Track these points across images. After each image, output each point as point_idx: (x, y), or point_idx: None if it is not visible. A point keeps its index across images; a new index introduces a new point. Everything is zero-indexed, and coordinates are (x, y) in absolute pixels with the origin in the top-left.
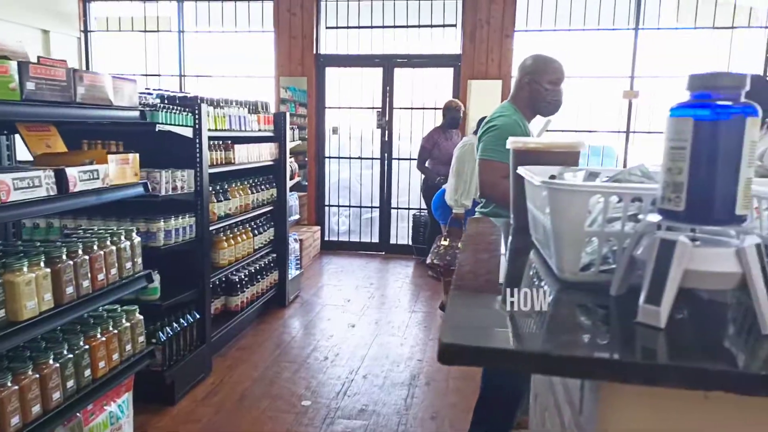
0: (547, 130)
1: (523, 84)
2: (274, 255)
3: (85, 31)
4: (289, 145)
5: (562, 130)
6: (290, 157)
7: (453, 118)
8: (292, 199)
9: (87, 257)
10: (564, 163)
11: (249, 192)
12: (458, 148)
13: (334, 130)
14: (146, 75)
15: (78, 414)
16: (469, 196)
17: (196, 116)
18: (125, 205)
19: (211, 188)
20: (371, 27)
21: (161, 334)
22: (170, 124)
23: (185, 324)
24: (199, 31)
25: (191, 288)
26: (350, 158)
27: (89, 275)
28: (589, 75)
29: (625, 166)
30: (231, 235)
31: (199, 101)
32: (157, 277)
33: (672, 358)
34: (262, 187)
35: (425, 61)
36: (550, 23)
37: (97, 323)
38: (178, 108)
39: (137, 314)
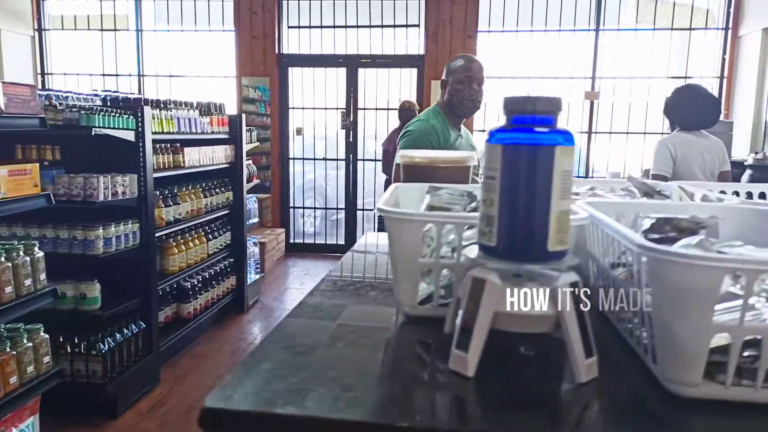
0: None
1: (443, 86)
2: (232, 259)
3: (39, 30)
4: (246, 147)
5: None
6: (248, 159)
7: (409, 119)
8: (251, 202)
9: None
10: (452, 180)
11: (202, 196)
12: None
13: (299, 131)
14: (104, 75)
15: None
16: None
17: (139, 119)
18: (65, 212)
19: (158, 193)
20: (334, 27)
21: (102, 345)
22: (109, 128)
23: (129, 334)
24: (158, 30)
25: (136, 296)
26: (315, 159)
27: None
28: (551, 76)
29: (587, 166)
30: (182, 241)
31: (142, 103)
32: (96, 287)
33: (463, 422)
34: (217, 190)
35: (389, 61)
36: (512, 24)
37: None
38: (118, 111)
39: (41, 333)
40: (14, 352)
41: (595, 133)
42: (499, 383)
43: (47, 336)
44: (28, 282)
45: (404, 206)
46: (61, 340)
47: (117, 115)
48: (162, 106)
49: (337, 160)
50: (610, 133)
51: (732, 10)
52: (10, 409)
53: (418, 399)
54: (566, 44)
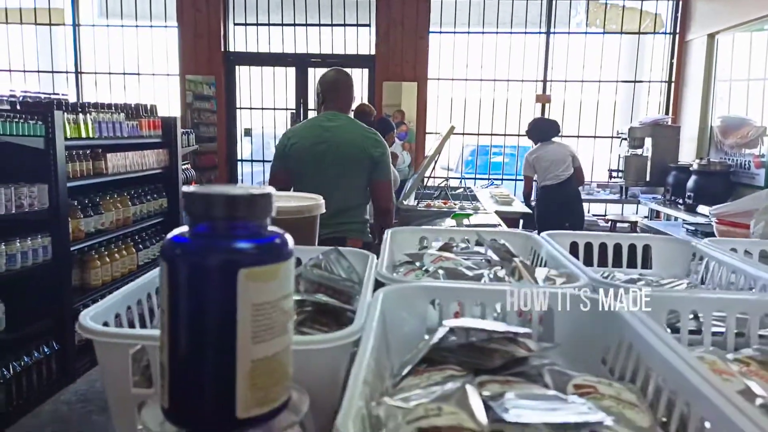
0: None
1: (353, 97)
2: None
3: None
4: (184, 150)
5: (477, 134)
6: (185, 163)
7: (367, 124)
8: None
9: None
10: (295, 233)
11: (129, 204)
12: None
13: (247, 132)
14: (38, 72)
15: None
16: None
17: (49, 125)
18: None
19: (76, 203)
20: (282, 25)
21: (5, 372)
22: (12, 135)
23: (40, 356)
24: (97, 25)
25: (47, 316)
26: (264, 161)
27: None
28: (502, 78)
29: None
30: (106, 253)
31: (53, 108)
32: (0, 307)
33: None
34: (149, 197)
35: (339, 61)
36: (464, 25)
37: None
38: (24, 117)
39: None
40: None
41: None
42: None
43: None
44: None
45: None
46: None
47: (22, 120)
48: (80, 109)
49: None
50: (561, 136)
51: (679, 15)
52: None
53: None
54: (517, 46)
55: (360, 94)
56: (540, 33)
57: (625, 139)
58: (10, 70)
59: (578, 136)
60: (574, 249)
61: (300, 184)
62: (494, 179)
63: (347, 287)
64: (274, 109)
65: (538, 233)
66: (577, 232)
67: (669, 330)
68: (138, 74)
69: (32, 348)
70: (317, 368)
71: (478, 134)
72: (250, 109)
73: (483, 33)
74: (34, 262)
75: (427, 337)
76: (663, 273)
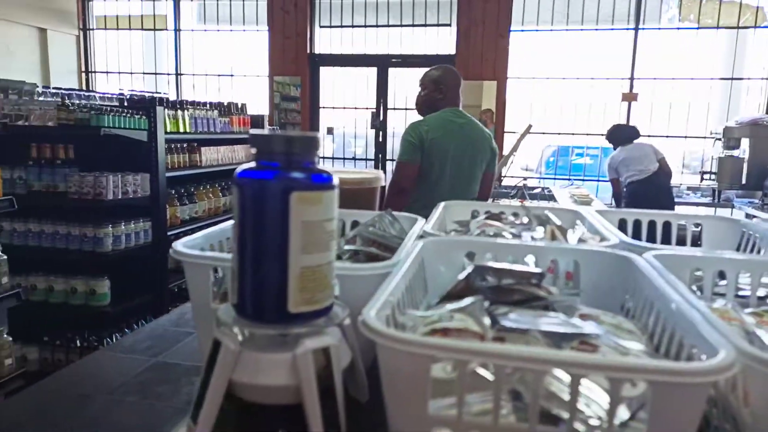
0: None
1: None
2: None
3: (84, 30)
4: None
5: (558, 133)
6: None
7: None
8: None
9: None
10: (356, 202)
11: (220, 194)
12: None
13: (329, 131)
14: (144, 74)
15: None
16: None
17: (152, 119)
18: (77, 210)
19: (173, 192)
20: (365, 26)
21: (109, 341)
22: (120, 128)
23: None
24: (195, 30)
25: (147, 293)
26: (344, 159)
27: None
28: (586, 77)
29: None
30: None
31: (155, 104)
32: (106, 283)
33: None
34: None
35: (420, 61)
36: (546, 23)
37: None
38: (130, 112)
39: (5, 335)
40: None
41: None
42: None
43: (10, 338)
44: None
45: None
46: (72, 333)
47: (129, 115)
48: (179, 106)
49: (366, 159)
50: (648, 136)
51: None
52: None
53: None
54: (603, 43)
55: None
56: (628, 29)
57: (719, 139)
58: (119, 72)
59: (667, 136)
60: (623, 227)
61: (438, 176)
62: (575, 179)
63: (396, 244)
64: (355, 108)
65: None
66: (625, 210)
67: (699, 291)
68: (231, 75)
69: (132, 322)
70: (359, 292)
71: (559, 134)
72: (333, 108)
73: (567, 30)
74: (136, 244)
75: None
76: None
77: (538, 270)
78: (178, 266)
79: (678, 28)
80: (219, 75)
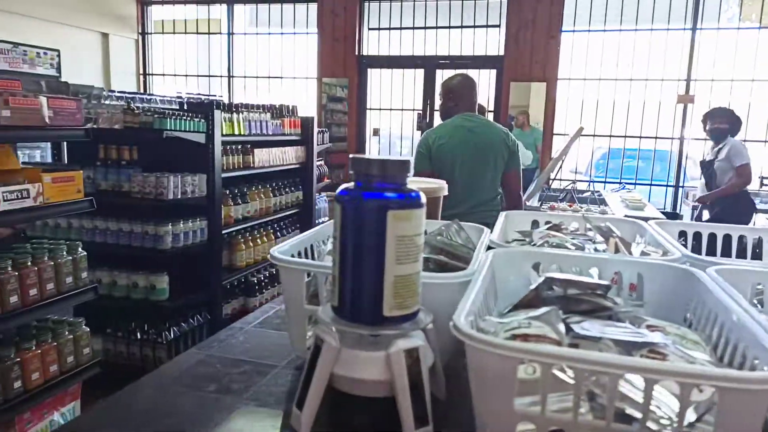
0: (584, 135)
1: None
2: None
3: (143, 34)
4: (318, 148)
5: (609, 135)
6: (319, 160)
7: None
8: (321, 201)
9: (16, 273)
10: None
11: (271, 195)
12: None
13: (375, 132)
14: (198, 76)
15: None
16: None
17: (209, 122)
18: (140, 208)
19: (228, 192)
20: (413, 28)
21: (167, 334)
22: (180, 131)
23: (194, 324)
24: (248, 33)
25: (202, 290)
26: None
27: (18, 291)
28: (640, 78)
29: (678, 172)
30: (250, 238)
31: (213, 107)
32: (165, 279)
33: None
34: (287, 189)
35: (467, 62)
36: (599, 23)
37: (35, 336)
38: (190, 114)
39: (83, 326)
40: (55, 343)
41: (688, 139)
42: None
43: (88, 329)
44: (69, 279)
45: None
46: (133, 326)
47: (188, 118)
48: (234, 109)
49: None
50: (705, 139)
51: None
52: (52, 394)
53: None
54: (658, 44)
55: (487, 94)
56: (685, 29)
57: None
58: (174, 75)
59: None
60: (683, 239)
61: (448, 180)
62: (626, 183)
63: (464, 253)
64: (402, 110)
65: None
66: (685, 222)
67: (759, 305)
68: (281, 78)
69: (188, 317)
70: (439, 298)
71: (610, 136)
72: (380, 110)
73: (620, 31)
74: (193, 242)
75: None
76: None
77: (605, 282)
78: (231, 265)
79: (738, 28)
80: (269, 77)
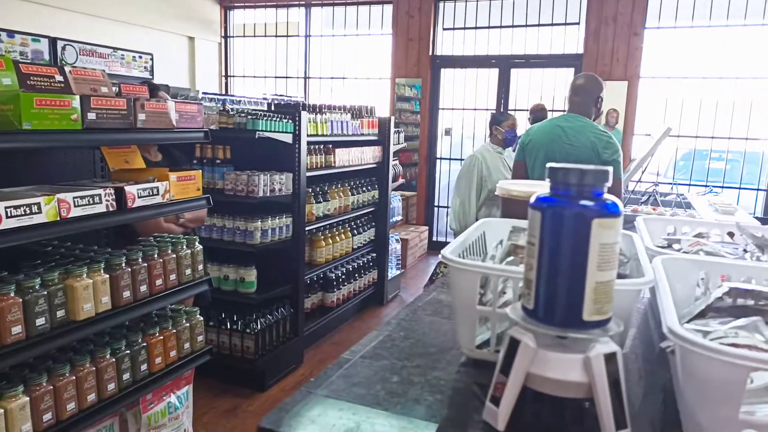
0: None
1: (596, 102)
2: (374, 254)
3: (225, 37)
4: (394, 148)
5: (695, 136)
6: (394, 159)
7: (537, 119)
8: (395, 200)
9: (146, 264)
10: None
11: (350, 193)
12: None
13: (447, 132)
14: (275, 77)
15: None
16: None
17: (296, 123)
18: (232, 205)
19: (310, 190)
20: (489, 27)
21: (255, 325)
22: (270, 131)
23: (279, 317)
24: (324, 35)
25: (286, 284)
26: (461, 159)
27: (147, 281)
28: (731, 76)
29: None
30: (329, 235)
31: (300, 109)
32: (253, 273)
33: None
34: (364, 188)
35: (544, 61)
36: (686, 19)
37: (157, 322)
38: (279, 116)
39: (198, 316)
40: (174, 330)
41: None
42: None
43: (202, 318)
44: (188, 271)
45: (489, 243)
46: (223, 316)
47: (278, 119)
48: (318, 110)
49: None
50: None
51: None
52: (170, 378)
53: None
54: (750, 39)
55: (564, 93)
56: None
57: None
58: (254, 77)
59: None
60: None
61: (531, 175)
62: (713, 186)
63: None
64: (475, 109)
65: None
66: None
67: None
68: (354, 78)
69: (273, 309)
70: (620, 303)
71: (696, 137)
72: (452, 109)
73: (709, 27)
74: (279, 238)
75: (697, 298)
76: None
77: None
78: (311, 261)
79: None
80: (343, 78)
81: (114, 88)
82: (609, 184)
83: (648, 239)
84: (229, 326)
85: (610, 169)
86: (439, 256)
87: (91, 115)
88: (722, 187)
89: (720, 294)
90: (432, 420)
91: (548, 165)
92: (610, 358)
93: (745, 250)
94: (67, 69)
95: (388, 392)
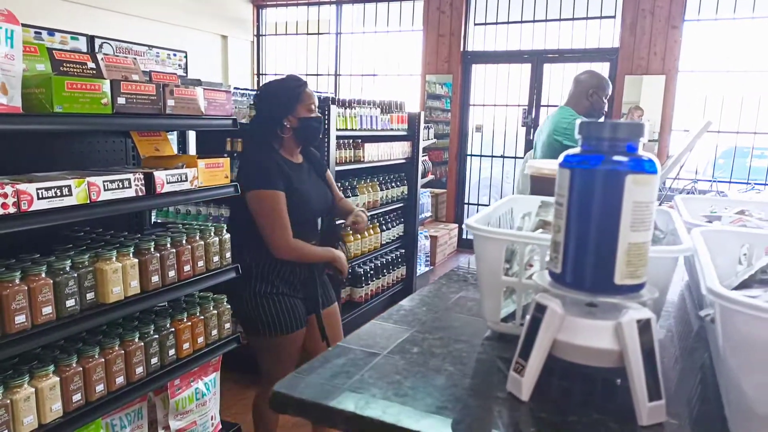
0: (708, 131)
1: (588, 95)
2: (403, 251)
3: (258, 36)
4: (423, 144)
5: (736, 132)
6: (424, 155)
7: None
8: (424, 197)
9: (174, 250)
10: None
11: (378, 189)
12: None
13: (478, 128)
14: (306, 75)
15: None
16: None
17: (325, 117)
18: None
19: (339, 184)
20: (521, 22)
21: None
22: None
23: None
24: (354, 33)
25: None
26: (492, 156)
27: (176, 266)
28: None
29: None
30: None
31: (329, 102)
32: None
33: None
34: (393, 184)
35: (578, 56)
36: (728, 11)
37: (185, 309)
38: None
39: (225, 303)
40: (202, 317)
41: None
42: (552, 413)
43: (229, 306)
44: (216, 258)
45: (517, 219)
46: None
47: None
48: (347, 104)
49: (515, 158)
50: None
51: None
52: (198, 364)
53: (468, 414)
54: None
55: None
56: None
57: None
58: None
59: None
60: None
61: None
62: (756, 184)
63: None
64: (506, 105)
65: None
66: None
67: None
68: (385, 75)
69: None
70: (657, 272)
71: (737, 133)
72: (483, 106)
73: (753, 18)
74: None
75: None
76: None
77: None
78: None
79: None
80: (374, 75)
81: (145, 77)
82: (644, 139)
83: (686, 214)
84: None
85: (642, 123)
86: (464, 225)
87: (121, 100)
88: (765, 184)
89: (764, 265)
90: (452, 389)
91: (577, 121)
92: (644, 325)
93: None
94: (99, 56)
95: (408, 362)
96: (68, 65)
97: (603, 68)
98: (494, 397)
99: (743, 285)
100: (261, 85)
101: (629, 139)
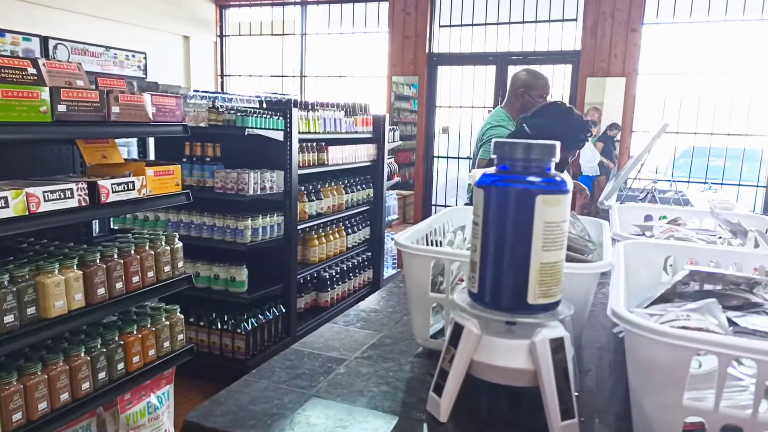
0: (666, 132)
1: (518, 95)
2: (369, 254)
3: (221, 36)
4: (389, 146)
5: (694, 133)
6: (390, 157)
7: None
8: (391, 199)
9: (122, 261)
10: None
11: (343, 192)
12: None
13: (444, 130)
14: (272, 76)
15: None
16: None
17: (287, 120)
18: (222, 203)
19: (302, 188)
20: (485, 24)
21: (246, 325)
22: (260, 128)
23: (270, 317)
24: (320, 34)
25: (278, 283)
26: (459, 158)
27: (123, 278)
28: (730, 72)
29: None
30: (323, 234)
31: (291, 105)
32: (244, 272)
33: None
34: (358, 187)
35: (541, 58)
36: (684, 15)
37: (135, 321)
38: (269, 113)
39: (178, 314)
40: (154, 329)
41: None
42: None
43: (182, 316)
44: (167, 268)
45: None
46: (213, 316)
47: (268, 116)
48: (309, 107)
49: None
50: None
51: None
52: (149, 377)
53: None
54: (750, 34)
55: (561, 90)
56: None
57: None
58: (250, 75)
59: None
60: None
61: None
62: (712, 183)
63: (580, 244)
64: (472, 107)
65: None
66: None
67: None
68: (351, 77)
69: (265, 309)
70: (575, 288)
71: (695, 134)
72: (449, 107)
73: (707, 22)
74: (270, 237)
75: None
76: None
77: (760, 277)
78: (304, 260)
79: None
80: (340, 76)
81: (91, 83)
82: (556, 159)
83: (617, 226)
84: (219, 326)
85: (557, 144)
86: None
87: (62, 108)
88: (721, 184)
89: (681, 277)
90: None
91: (493, 140)
92: (557, 343)
93: (719, 236)
94: (40, 62)
95: (331, 383)
96: (7, 71)
97: (566, 70)
98: (412, 419)
99: (662, 299)
100: None
101: (542, 159)
